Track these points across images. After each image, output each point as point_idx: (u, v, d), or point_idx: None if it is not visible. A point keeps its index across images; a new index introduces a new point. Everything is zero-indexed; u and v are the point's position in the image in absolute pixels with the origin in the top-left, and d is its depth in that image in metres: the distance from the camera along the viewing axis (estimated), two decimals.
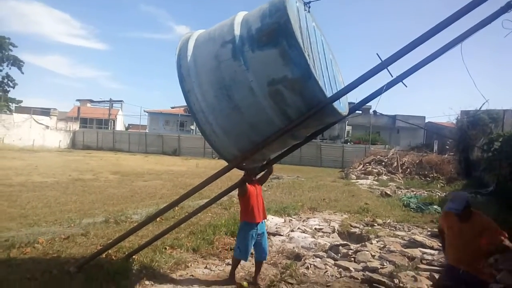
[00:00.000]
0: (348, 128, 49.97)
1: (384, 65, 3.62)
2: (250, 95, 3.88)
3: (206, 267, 5.77)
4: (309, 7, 4.39)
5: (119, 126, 59.20)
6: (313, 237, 7.87)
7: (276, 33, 3.66)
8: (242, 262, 5.78)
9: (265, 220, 5.67)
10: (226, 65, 3.94)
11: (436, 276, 5.35)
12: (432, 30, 3.43)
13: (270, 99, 3.86)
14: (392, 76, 3.91)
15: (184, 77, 4.20)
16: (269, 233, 7.87)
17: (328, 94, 4.05)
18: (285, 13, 3.60)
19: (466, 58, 3.80)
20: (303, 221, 9.34)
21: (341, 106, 4.46)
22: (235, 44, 3.88)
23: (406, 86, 4.00)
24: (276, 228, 8.28)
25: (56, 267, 5.07)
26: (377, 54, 3.65)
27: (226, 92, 3.99)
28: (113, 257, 5.60)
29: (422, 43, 3.47)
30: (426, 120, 42.91)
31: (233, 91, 3.96)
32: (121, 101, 59.76)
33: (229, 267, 5.65)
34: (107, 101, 56.77)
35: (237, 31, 3.94)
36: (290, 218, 9.56)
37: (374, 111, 4.51)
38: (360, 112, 44.23)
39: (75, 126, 48.36)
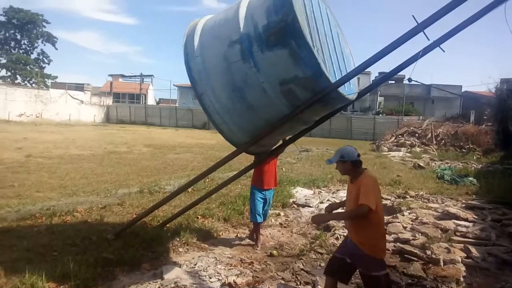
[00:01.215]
0: (380, 99, 48.71)
1: (421, 28, 3.43)
2: (263, 95, 3.88)
3: (236, 236, 5.89)
4: None
5: (150, 101, 60.22)
6: (343, 209, 7.82)
7: (284, 33, 3.55)
8: (271, 231, 5.88)
9: (275, 187, 5.89)
10: (236, 67, 3.89)
11: (471, 248, 5.25)
12: None
13: (283, 97, 3.86)
14: (428, 40, 3.71)
15: (196, 81, 4.19)
16: (298, 205, 7.93)
17: (338, 75, 4.04)
18: (292, 10, 3.46)
19: (510, 20, 3.55)
20: (333, 193, 9.30)
21: (351, 87, 4.36)
22: (243, 45, 3.80)
23: (444, 51, 3.80)
24: (306, 199, 8.30)
25: (95, 234, 5.31)
26: (412, 16, 3.47)
27: (239, 93, 3.98)
28: (148, 225, 5.82)
29: (461, 3, 3.25)
30: (463, 90, 41.14)
31: (246, 92, 3.95)
32: (151, 75, 60.52)
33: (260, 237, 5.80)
34: (138, 76, 57.67)
35: (243, 29, 3.84)
36: (320, 190, 9.55)
37: (409, 79, 4.34)
38: (393, 82, 43.04)
39: (109, 101, 49.57)
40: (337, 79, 3.94)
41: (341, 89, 3.87)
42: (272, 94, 3.84)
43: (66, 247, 4.83)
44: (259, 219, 5.47)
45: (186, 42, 4.34)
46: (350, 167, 3.33)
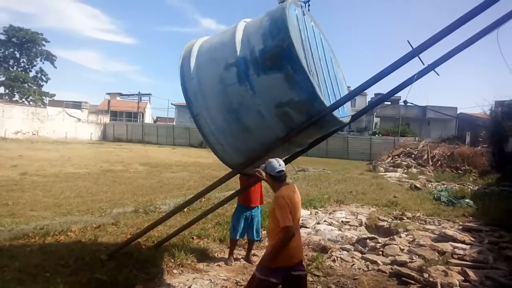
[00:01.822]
0: (376, 120, 49.01)
1: (416, 52, 3.50)
2: (258, 117, 3.93)
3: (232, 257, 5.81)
4: (309, 5, 4.35)
5: (148, 119, 60.33)
6: (340, 230, 7.79)
7: (280, 57, 3.64)
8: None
9: (261, 205, 5.99)
10: (233, 89, 3.95)
11: (468, 271, 5.20)
12: (466, 16, 3.28)
13: (278, 120, 3.92)
14: (423, 64, 3.78)
15: (191, 101, 4.25)
16: None
17: (332, 99, 4.15)
18: (288, 36, 3.55)
19: (502, 45, 3.62)
20: (330, 213, 9.25)
21: (345, 110, 4.43)
22: (240, 68, 3.88)
23: (439, 75, 3.86)
24: (302, 220, 8.23)
25: (88, 254, 5.23)
26: (408, 41, 3.54)
27: (234, 115, 4.04)
28: (142, 245, 5.74)
29: (455, 30, 3.33)
30: (458, 111, 41.47)
31: (242, 114, 4.01)
32: (149, 94, 60.82)
33: (255, 258, 5.75)
34: (136, 94, 57.91)
35: (240, 53, 3.92)
36: (316, 210, 9.50)
37: (404, 101, 4.40)
38: (389, 103, 43.42)
39: (106, 119, 49.62)
40: (331, 102, 4.01)
41: (335, 113, 3.91)
42: (267, 116, 3.89)
43: (59, 268, 4.75)
44: (238, 237, 5.64)
45: (183, 63, 4.41)
46: (270, 180, 3.41)
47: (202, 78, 4.23)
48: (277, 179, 3.36)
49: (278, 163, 3.36)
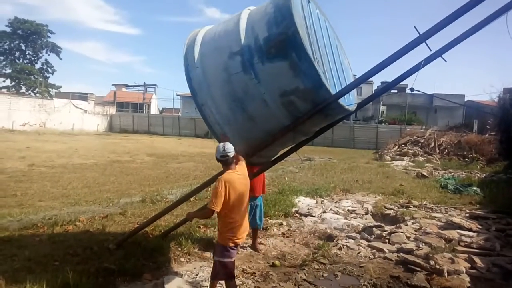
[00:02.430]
0: (382, 108, 48.69)
1: (422, 38, 3.45)
2: (263, 106, 3.91)
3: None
4: None
5: (153, 110, 60.49)
6: (346, 218, 7.79)
7: (284, 45, 3.60)
8: (273, 241, 5.87)
9: (263, 194, 5.96)
10: (237, 78, 3.92)
11: (475, 258, 5.19)
12: (474, 1, 3.22)
13: (283, 108, 3.90)
14: (430, 50, 3.73)
15: (196, 91, 4.22)
16: (301, 214, 7.89)
17: (337, 87, 4.10)
18: (293, 23, 3.51)
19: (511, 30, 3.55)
20: (336, 202, 9.26)
21: (350, 98, 4.39)
22: (244, 57, 3.84)
23: (446, 61, 3.80)
24: (308, 209, 8.26)
25: (96, 243, 5.29)
26: (414, 27, 3.49)
27: (239, 104, 4.01)
28: (150, 235, 5.79)
29: (463, 15, 3.27)
30: (466, 99, 40.98)
31: (246, 103, 3.98)
32: (154, 85, 60.86)
33: (261, 246, 5.81)
34: (141, 85, 57.95)
35: (244, 41, 3.88)
36: (322, 199, 9.51)
37: (411, 88, 4.35)
38: (396, 91, 43.09)
39: (112, 110, 49.79)
40: (337, 90, 3.97)
41: (341, 101, 3.88)
42: (272, 105, 3.86)
43: (67, 257, 4.81)
44: None
45: (187, 52, 4.37)
46: (220, 163, 3.60)
47: (206, 67, 4.20)
48: (222, 163, 3.56)
49: (223, 148, 3.49)
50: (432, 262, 5.02)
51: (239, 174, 3.56)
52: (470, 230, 6.58)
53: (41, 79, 54.92)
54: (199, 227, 6.34)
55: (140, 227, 5.41)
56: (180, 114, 52.37)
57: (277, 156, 5.26)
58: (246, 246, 5.81)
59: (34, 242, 5.33)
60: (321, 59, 3.96)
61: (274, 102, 3.86)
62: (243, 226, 3.66)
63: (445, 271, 4.76)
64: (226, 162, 3.53)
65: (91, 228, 6.13)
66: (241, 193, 3.52)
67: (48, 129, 36.40)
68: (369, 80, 4.62)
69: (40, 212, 6.92)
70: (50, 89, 55.01)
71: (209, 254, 5.30)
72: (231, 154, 3.51)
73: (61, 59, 58.57)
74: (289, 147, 5.22)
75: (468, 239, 6.04)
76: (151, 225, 5.72)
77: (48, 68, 57.52)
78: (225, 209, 3.45)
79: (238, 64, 3.89)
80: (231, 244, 3.58)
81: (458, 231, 6.47)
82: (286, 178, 12.49)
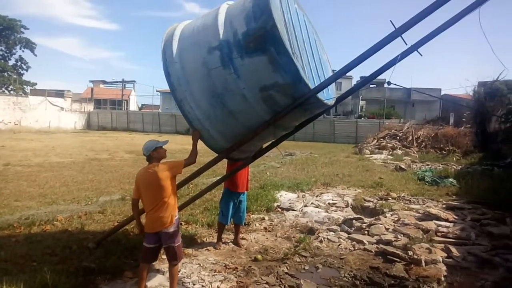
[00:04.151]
0: (362, 102, 49.34)
1: (398, 32, 3.51)
2: (243, 101, 3.91)
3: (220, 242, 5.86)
4: None
5: (133, 107, 59.57)
6: (327, 211, 7.89)
7: (263, 39, 3.59)
8: (255, 236, 5.90)
9: (247, 191, 6.01)
10: (216, 73, 3.91)
11: (452, 248, 5.34)
12: None
13: (263, 103, 3.91)
14: (406, 44, 3.79)
15: (175, 87, 4.17)
16: (282, 208, 7.95)
17: (316, 81, 4.14)
18: (271, 17, 3.50)
19: (484, 25, 3.65)
20: (317, 196, 9.36)
21: (329, 93, 4.44)
22: (223, 51, 3.82)
23: (421, 55, 3.87)
24: (290, 203, 8.32)
25: (75, 243, 5.21)
26: (390, 21, 3.53)
27: (219, 99, 4.00)
28: (130, 232, 5.73)
29: (438, 9, 3.34)
30: (442, 92, 41.95)
31: (226, 99, 3.98)
32: (133, 81, 60.03)
33: (243, 241, 5.82)
34: (120, 81, 56.95)
35: (222, 36, 3.86)
36: (304, 193, 9.60)
37: (388, 82, 4.41)
38: (374, 85, 43.72)
39: (89, 107, 48.83)
40: (316, 85, 4.00)
41: (320, 95, 3.91)
42: (252, 100, 3.87)
43: (46, 257, 4.71)
44: (227, 222, 5.69)
45: (165, 47, 4.32)
46: None
47: (185, 62, 4.16)
48: (148, 159, 3.93)
49: (145, 149, 3.92)
50: (410, 253, 5.14)
51: (149, 169, 3.83)
52: (446, 220, 6.76)
53: (15, 76, 53.26)
54: (181, 224, 6.29)
55: (120, 225, 5.32)
56: (160, 111, 51.76)
57: (258, 151, 5.28)
58: (229, 241, 5.82)
59: (10, 243, 5.19)
60: (300, 53, 3.98)
61: (254, 97, 3.86)
62: (151, 217, 3.84)
63: (423, 261, 4.88)
64: (147, 158, 3.93)
65: (69, 228, 6.01)
66: (150, 185, 3.81)
67: (23, 127, 35.38)
68: (348, 74, 4.70)
69: (16, 212, 6.75)
70: (25, 86, 53.41)
71: (191, 251, 5.29)
72: (147, 153, 3.90)
73: (35, 55, 56.91)
74: (270, 142, 5.24)
75: (444, 229, 6.21)
76: (131, 223, 5.64)
77: (22, 64, 55.72)
78: (138, 196, 3.98)
79: (217, 59, 3.87)
80: (145, 230, 3.94)
81: (435, 221, 6.64)
82: (267, 173, 12.53)
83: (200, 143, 4.34)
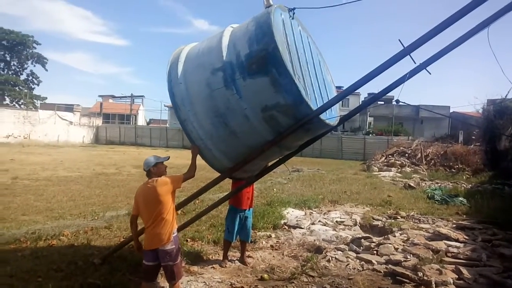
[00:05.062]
0: (370, 119, 49.24)
1: (407, 51, 3.51)
2: (245, 121, 3.95)
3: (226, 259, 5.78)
4: (294, 13, 4.36)
5: (141, 121, 60.10)
6: (334, 230, 7.78)
7: (265, 61, 3.65)
8: (262, 254, 5.83)
9: (252, 208, 5.94)
10: (219, 94, 3.97)
11: (462, 269, 5.21)
12: (457, 14, 3.30)
13: (265, 123, 3.94)
14: (415, 63, 3.79)
15: (179, 106, 4.26)
16: (289, 226, 7.86)
17: (319, 102, 4.17)
18: (273, 40, 3.57)
19: (492, 44, 3.64)
20: (324, 214, 9.25)
21: (332, 113, 4.45)
22: (226, 72, 3.89)
23: (430, 73, 3.86)
24: (297, 221, 8.23)
25: (81, 258, 5.17)
26: (399, 40, 3.54)
27: (222, 119, 4.05)
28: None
29: (446, 28, 3.34)
30: (451, 110, 41.76)
31: (229, 119, 4.03)
32: (142, 96, 60.56)
33: (250, 259, 5.75)
34: (129, 96, 57.58)
35: (226, 58, 3.94)
36: (311, 211, 9.50)
37: (397, 100, 4.41)
38: (382, 102, 43.67)
39: (98, 122, 49.28)
40: (319, 105, 4.02)
41: (322, 115, 3.93)
42: (254, 120, 3.91)
43: (51, 273, 4.68)
44: (233, 239, 5.61)
45: (170, 69, 4.43)
46: None
47: (189, 83, 4.24)
48: (147, 174, 3.94)
49: (145, 164, 3.92)
50: (420, 274, 5.02)
51: (149, 185, 3.83)
52: (457, 240, 6.63)
53: (26, 90, 54.18)
54: (187, 240, 6.27)
55: (126, 241, 5.30)
56: (168, 125, 52.09)
57: (261, 170, 5.26)
58: (235, 259, 5.75)
59: (16, 258, 5.18)
60: (302, 75, 4.01)
61: (256, 117, 3.90)
62: (150, 234, 3.81)
63: (433, 282, 4.76)
64: (147, 174, 3.94)
65: (75, 243, 5.99)
66: (149, 201, 3.79)
67: (32, 141, 35.77)
68: (356, 91, 4.67)
69: (23, 227, 6.76)
70: (35, 101, 54.26)
71: (196, 268, 5.23)
72: (146, 169, 3.91)
73: (46, 70, 57.96)
74: (276, 160, 5.23)
75: (455, 250, 6.08)
76: (139, 238, 5.62)
77: (33, 79, 56.85)
78: (137, 212, 3.95)
79: (220, 79, 3.94)
80: (144, 247, 3.91)
81: (445, 241, 6.51)
82: (274, 189, 12.46)
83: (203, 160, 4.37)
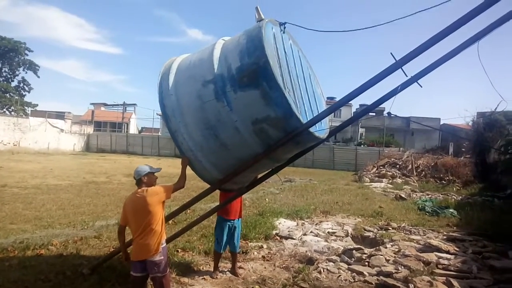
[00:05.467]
0: (361, 130, 49.59)
1: (399, 65, 3.56)
2: (235, 134, 3.98)
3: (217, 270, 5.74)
4: (285, 28, 4.42)
5: (133, 129, 59.82)
6: (326, 241, 7.77)
7: (256, 75, 3.70)
8: (253, 265, 5.79)
9: (240, 218, 5.90)
10: (210, 106, 4.00)
11: (453, 281, 5.23)
12: (448, 29, 3.36)
13: (255, 136, 3.97)
14: (407, 76, 3.84)
15: (169, 117, 4.28)
16: (281, 236, 7.83)
17: (309, 115, 4.23)
18: (264, 54, 3.62)
19: (482, 58, 3.70)
20: (316, 224, 9.24)
21: (322, 125, 4.50)
22: (217, 85, 3.92)
23: (421, 86, 3.92)
24: (289, 231, 8.21)
25: (70, 268, 5.10)
26: (391, 53, 3.59)
27: (212, 131, 4.07)
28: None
29: (438, 42, 3.40)
30: (441, 122, 42.21)
31: (219, 131, 4.05)
32: (134, 104, 60.45)
33: (241, 270, 5.71)
34: (121, 104, 57.37)
35: (217, 70, 3.98)
36: (303, 221, 9.48)
37: (388, 113, 4.45)
38: (374, 114, 44.03)
39: (89, 130, 48.97)
40: (309, 118, 4.06)
41: (312, 129, 3.96)
42: (244, 132, 3.93)
43: (39, 283, 4.61)
44: (221, 250, 5.56)
45: (161, 80, 4.45)
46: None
47: (180, 94, 4.27)
48: (137, 183, 3.90)
49: (136, 172, 3.88)
50: (411, 286, 5.02)
51: (138, 194, 3.78)
52: (447, 252, 6.65)
53: (17, 97, 53.71)
54: (177, 251, 6.21)
55: (116, 251, 5.23)
56: (160, 134, 51.88)
57: (251, 182, 5.26)
58: (226, 270, 5.70)
59: (3, 268, 5.10)
60: (293, 88, 4.06)
61: (246, 130, 3.92)
62: (138, 244, 3.78)
63: None
64: (136, 183, 3.91)
65: (64, 252, 5.91)
66: (137, 211, 3.75)
67: (22, 148, 35.38)
68: (347, 103, 4.73)
69: (11, 236, 6.65)
70: (26, 108, 53.74)
71: (187, 280, 5.18)
72: (137, 177, 3.87)
73: (38, 77, 57.52)
74: (266, 172, 5.24)
75: (446, 262, 6.09)
76: (127, 249, 5.55)
77: (24, 86, 56.37)
78: (125, 223, 3.92)
79: (211, 92, 3.96)
80: (132, 258, 3.88)
81: (436, 253, 6.53)
82: (266, 199, 12.44)
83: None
